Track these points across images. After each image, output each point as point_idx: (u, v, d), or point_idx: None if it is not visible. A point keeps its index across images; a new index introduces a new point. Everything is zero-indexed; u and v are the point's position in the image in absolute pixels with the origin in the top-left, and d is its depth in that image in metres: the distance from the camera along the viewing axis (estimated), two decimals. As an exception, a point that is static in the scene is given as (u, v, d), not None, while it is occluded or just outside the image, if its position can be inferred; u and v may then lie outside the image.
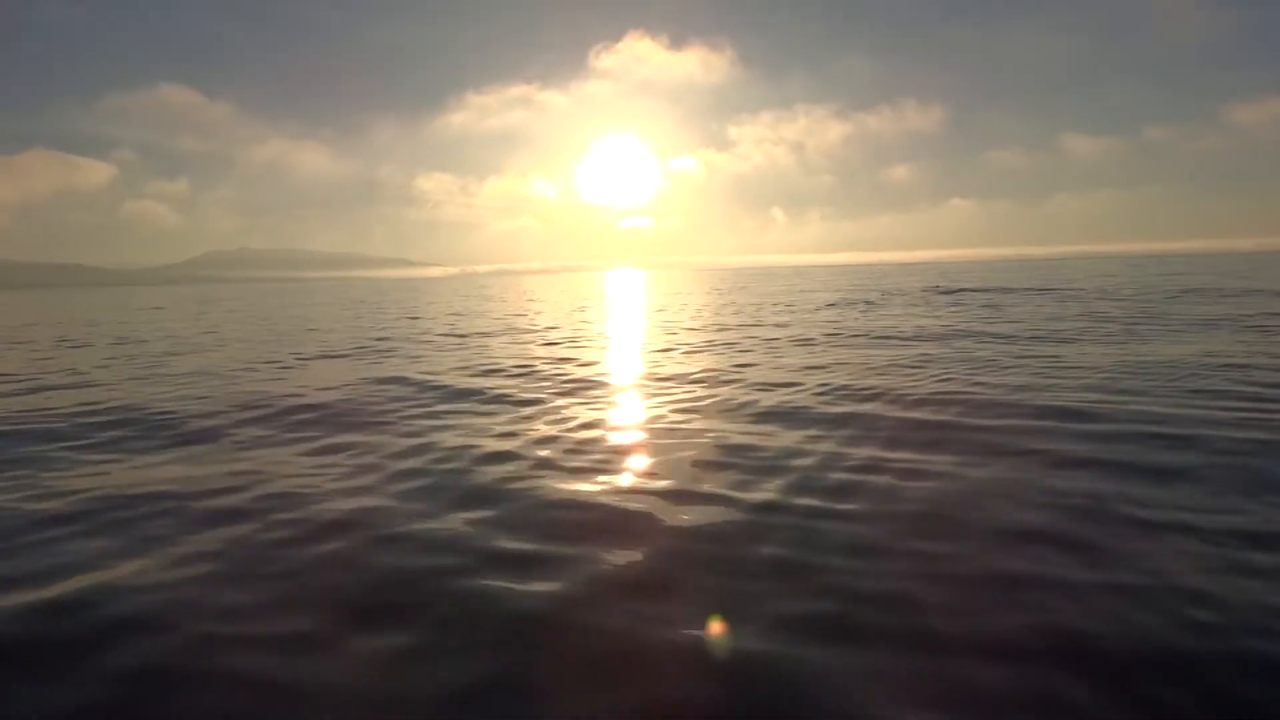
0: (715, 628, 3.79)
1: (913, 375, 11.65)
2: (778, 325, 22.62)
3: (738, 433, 8.25)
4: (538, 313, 33.86)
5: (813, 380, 11.57)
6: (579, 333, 22.49)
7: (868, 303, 32.15)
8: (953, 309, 26.59)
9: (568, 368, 14.20)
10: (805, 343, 17.52)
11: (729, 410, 9.58)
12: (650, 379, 12.53)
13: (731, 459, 7.10)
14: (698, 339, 19.28)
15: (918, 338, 17.57)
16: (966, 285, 44.24)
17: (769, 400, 10.12)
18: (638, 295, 52.30)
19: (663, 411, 9.65)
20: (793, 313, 27.74)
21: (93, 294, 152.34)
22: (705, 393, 10.91)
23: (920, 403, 9.48)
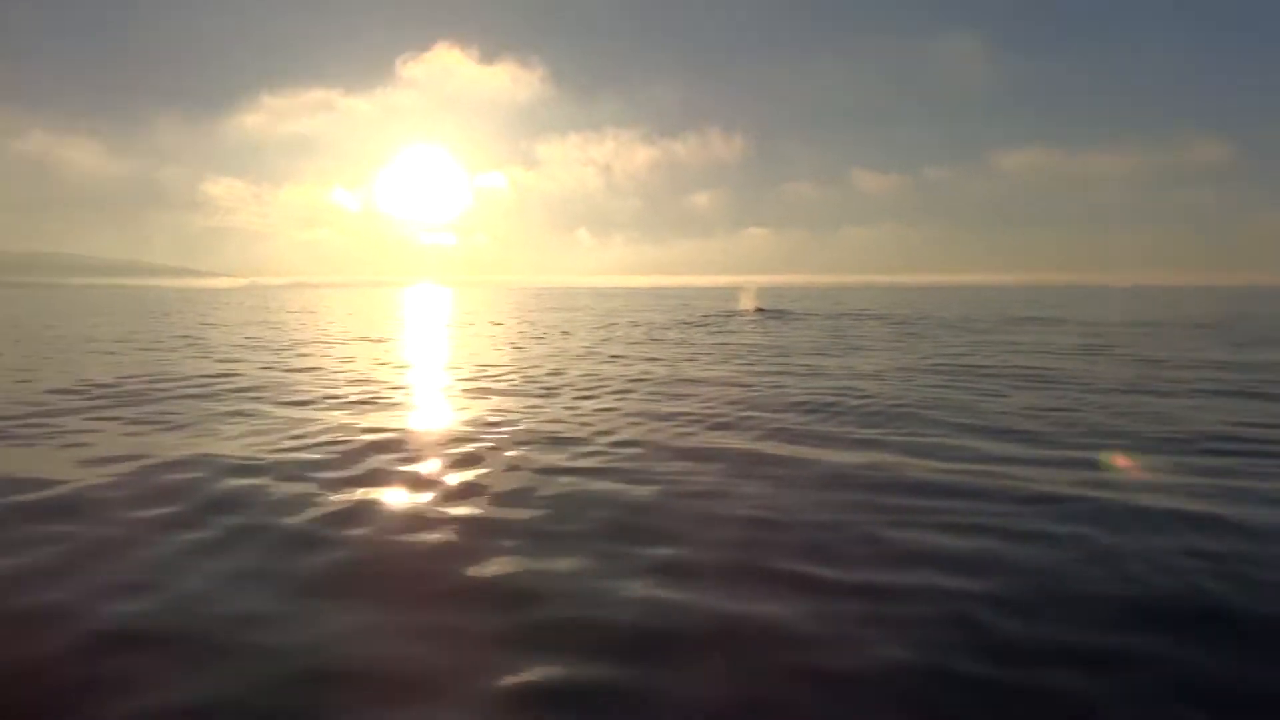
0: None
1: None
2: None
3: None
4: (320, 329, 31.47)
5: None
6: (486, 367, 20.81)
7: (724, 314, 32.13)
8: (803, 330, 26.87)
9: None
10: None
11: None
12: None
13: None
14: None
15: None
16: (791, 310, 44.89)
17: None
18: (471, 312, 50.08)
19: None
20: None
21: None
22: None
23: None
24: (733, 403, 10.72)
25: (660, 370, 14.62)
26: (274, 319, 35.92)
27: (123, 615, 4.06)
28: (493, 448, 7.85)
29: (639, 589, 4.35)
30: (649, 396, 11.32)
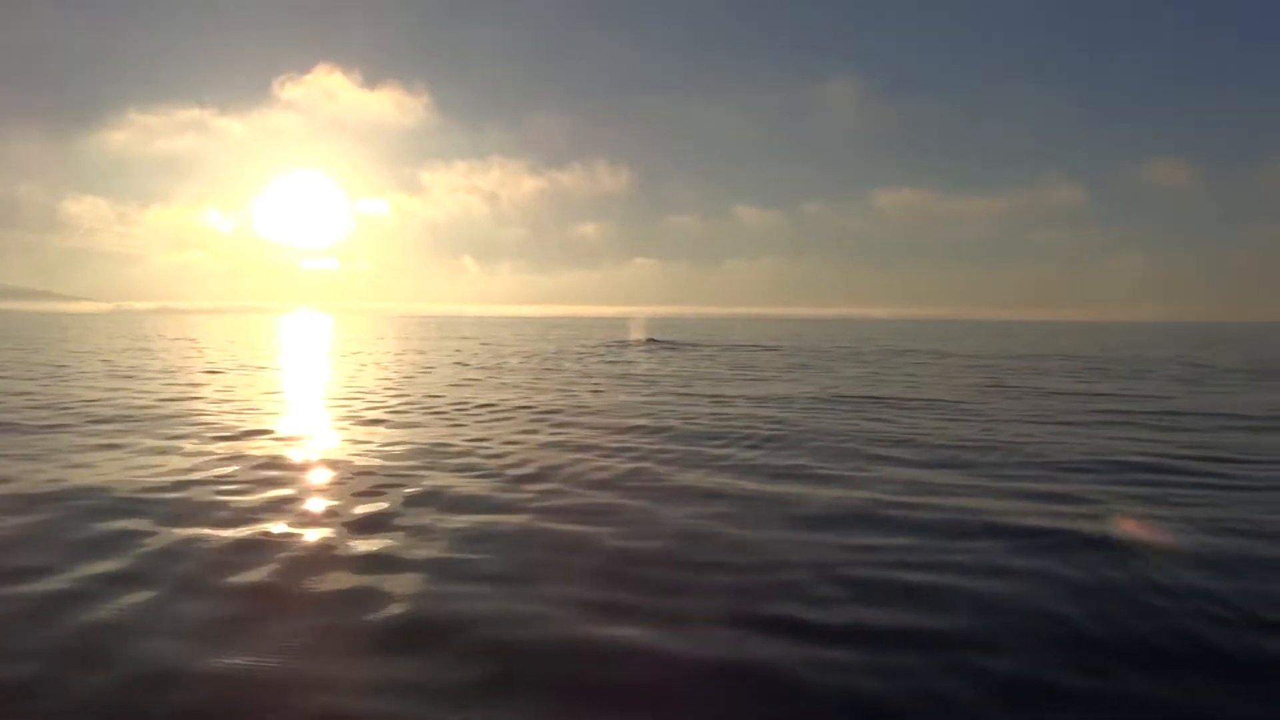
0: None
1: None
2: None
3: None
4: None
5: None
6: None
7: (617, 347, 31.79)
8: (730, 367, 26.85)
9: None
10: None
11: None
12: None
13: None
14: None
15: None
16: (683, 340, 44.74)
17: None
18: (358, 340, 48.34)
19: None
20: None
21: None
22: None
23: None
24: (645, 433, 10.37)
25: (566, 401, 14.17)
26: (154, 347, 33.77)
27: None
28: (400, 482, 7.27)
29: (602, 632, 4.00)
30: (559, 427, 10.85)
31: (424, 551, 5.26)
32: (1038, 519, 6.16)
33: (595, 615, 4.26)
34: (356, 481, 7.31)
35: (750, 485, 7.41)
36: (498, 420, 11.57)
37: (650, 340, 42.71)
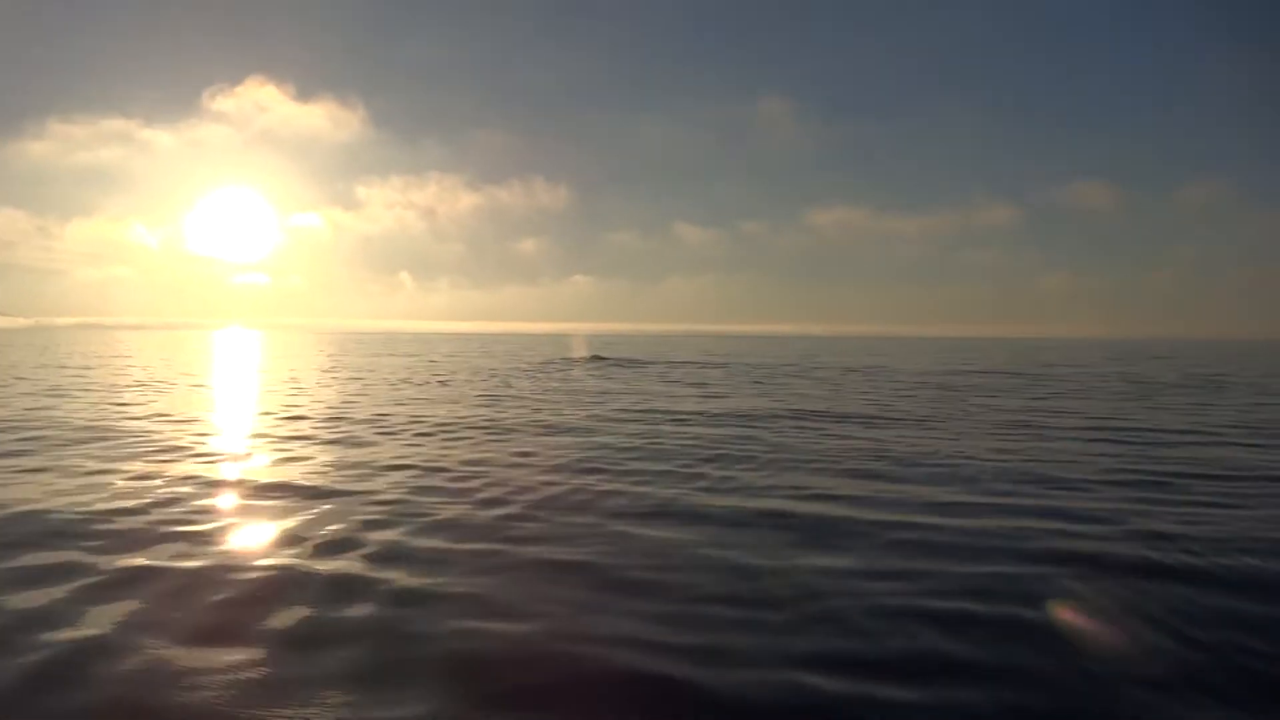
0: None
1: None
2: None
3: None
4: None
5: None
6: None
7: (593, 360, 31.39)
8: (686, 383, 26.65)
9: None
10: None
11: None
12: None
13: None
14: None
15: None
16: (630, 357, 44.52)
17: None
18: (298, 358, 46.96)
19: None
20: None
21: None
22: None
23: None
24: (615, 451, 10.06)
25: (524, 420, 13.71)
26: (88, 364, 32.16)
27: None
28: (362, 504, 6.89)
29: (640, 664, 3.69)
30: (523, 448, 10.42)
31: (396, 577, 4.89)
32: (1055, 540, 5.96)
33: (591, 645, 3.98)
34: (315, 505, 6.88)
35: (729, 504, 7.16)
36: (456, 440, 11.13)
37: (596, 357, 42.33)
